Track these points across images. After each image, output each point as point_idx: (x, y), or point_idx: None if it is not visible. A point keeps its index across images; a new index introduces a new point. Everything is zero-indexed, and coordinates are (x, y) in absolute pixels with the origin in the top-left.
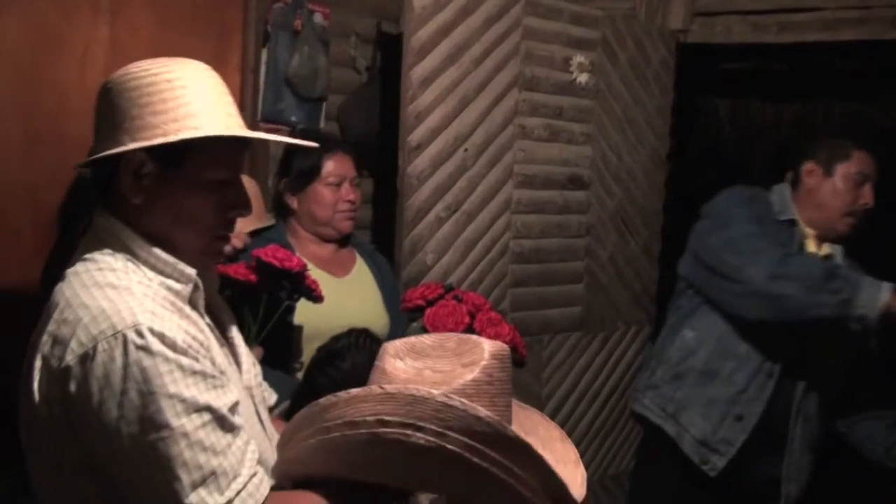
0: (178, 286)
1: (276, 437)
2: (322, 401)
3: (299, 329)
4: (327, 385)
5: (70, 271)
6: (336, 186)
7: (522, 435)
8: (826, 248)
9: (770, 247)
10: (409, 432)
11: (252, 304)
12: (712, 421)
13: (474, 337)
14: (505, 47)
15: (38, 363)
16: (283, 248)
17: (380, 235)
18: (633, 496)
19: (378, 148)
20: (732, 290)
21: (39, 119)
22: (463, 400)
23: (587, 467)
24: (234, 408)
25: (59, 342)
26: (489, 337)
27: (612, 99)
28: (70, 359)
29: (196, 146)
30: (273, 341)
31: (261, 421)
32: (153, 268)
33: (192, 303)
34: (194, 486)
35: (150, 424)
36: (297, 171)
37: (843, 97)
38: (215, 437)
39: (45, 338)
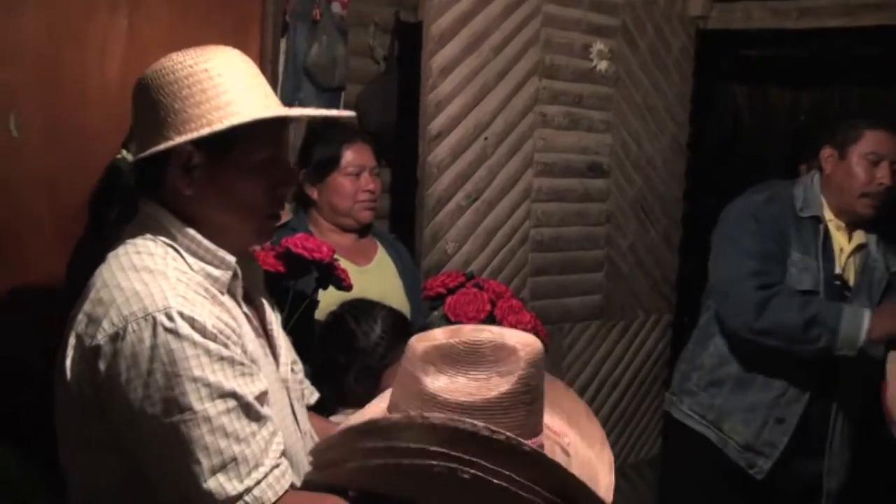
0: (216, 272)
1: (309, 431)
2: (359, 425)
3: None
4: (344, 361)
5: (111, 254)
6: (355, 176)
7: (570, 466)
8: (859, 238)
9: (752, 292)
10: (453, 465)
11: (279, 294)
12: (755, 426)
13: (508, 339)
14: (525, 35)
15: (72, 341)
16: (310, 237)
17: (398, 225)
18: (669, 498)
19: (396, 137)
20: (731, 330)
21: (59, 111)
22: (508, 434)
23: None
24: (262, 397)
25: (93, 321)
26: (510, 325)
27: (631, 86)
28: (101, 338)
29: (241, 131)
30: (297, 335)
31: (294, 414)
32: (194, 254)
33: (231, 290)
34: (213, 472)
35: (174, 406)
36: (316, 161)
37: (862, 83)
38: (239, 424)
39: (81, 316)
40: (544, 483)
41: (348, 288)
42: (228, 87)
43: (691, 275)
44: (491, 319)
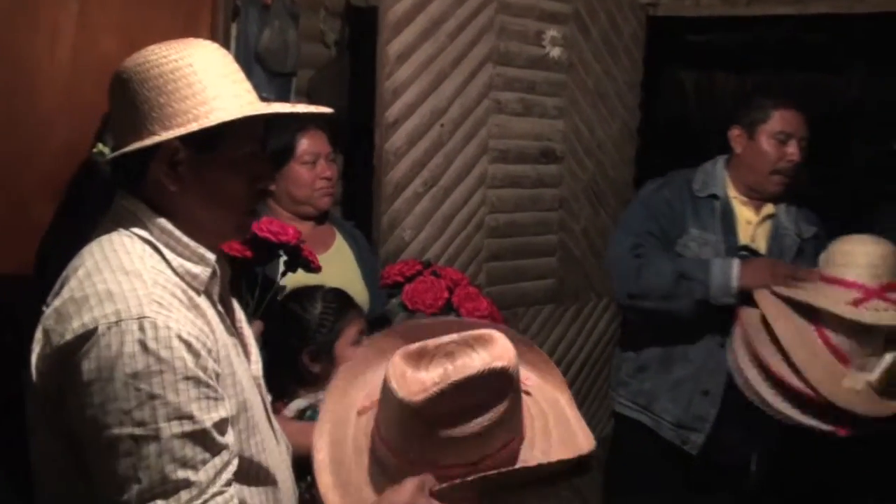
0: (196, 269)
1: (280, 431)
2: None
3: None
4: (297, 344)
5: (85, 249)
6: (312, 164)
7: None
8: (767, 209)
9: (629, 261)
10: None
11: (249, 279)
12: (682, 402)
13: (494, 360)
14: (479, 21)
15: (38, 335)
16: (275, 220)
17: (350, 211)
18: (615, 487)
19: (348, 123)
20: (620, 304)
21: (9, 96)
22: (540, 461)
23: None
24: (221, 424)
25: (63, 318)
26: (468, 311)
27: (583, 73)
28: (69, 337)
29: (227, 127)
30: (267, 321)
31: (267, 412)
32: (173, 249)
33: (207, 290)
34: (152, 495)
35: (128, 419)
36: (272, 151)
37: (807, 69)
38: (189, 450)
39: (50, 311)
40: (561, 466)
41: (316, 270)
42: (214, 83)
43: None
44: (448, 307)
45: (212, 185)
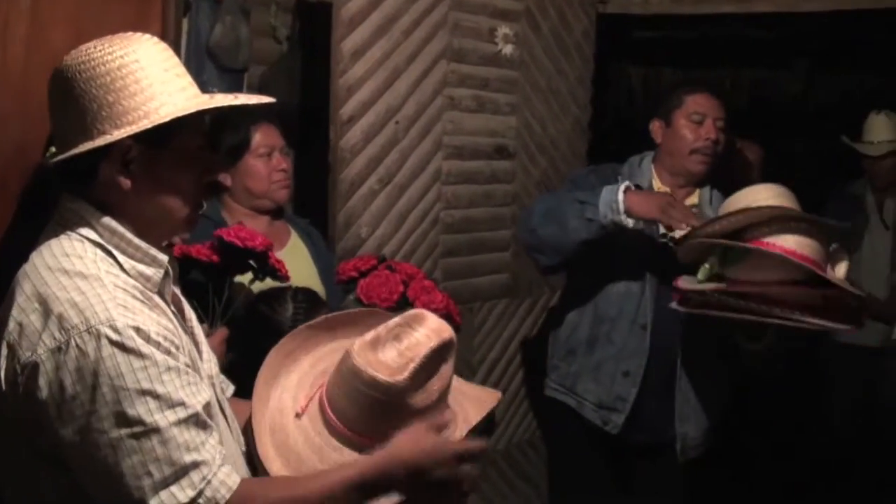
0: (149, 271)
1: (235, 423)
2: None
3: None
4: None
5: (35, 255)
6: (267, 157)
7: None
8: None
9: (533, 206)
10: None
11: (217, 284)
12: (604, 383)
13: (441, 332)
14: (433, 18)
15: (4, 351)
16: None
17: (303, 208)
18: (550, 468)
19: (299, 119)
20: (524, 246)
21: None
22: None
23: (517, 428)
24: (206, 407)
25: (29, 332)
26: (423, 304)
27: (535, 70)
28: (41, 352)
29: (177, 122)
30: (235, 327)
31: (223, 410)
32: (124, 252)
33: (161, 290)
34: (165, 484)
35: (122, 420)
36: (226, 146)
37: (754, 64)
38: (189, 434)
39: (12, 325)
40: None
41: (285, 278)
42: (159, 78)
43: None
44: (404, 300)
45: (164, 180)
